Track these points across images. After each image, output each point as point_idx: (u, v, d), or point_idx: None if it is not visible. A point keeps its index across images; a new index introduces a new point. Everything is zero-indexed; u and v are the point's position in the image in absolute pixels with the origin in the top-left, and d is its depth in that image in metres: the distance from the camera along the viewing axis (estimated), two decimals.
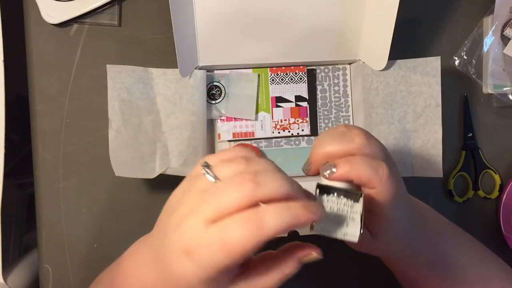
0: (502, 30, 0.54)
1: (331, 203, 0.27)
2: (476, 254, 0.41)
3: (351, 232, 0.26)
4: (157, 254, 0.29)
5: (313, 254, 0.28)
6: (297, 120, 0.52)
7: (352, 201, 0.27)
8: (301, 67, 0.52)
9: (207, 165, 0.27)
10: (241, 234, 0.23)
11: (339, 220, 0.27)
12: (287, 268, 0.28)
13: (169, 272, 0.27)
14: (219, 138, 0.51)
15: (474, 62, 0.55)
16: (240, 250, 0.23)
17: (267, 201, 0.24)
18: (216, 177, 0.26)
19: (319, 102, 0.52)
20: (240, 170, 0.26)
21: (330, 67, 0.53)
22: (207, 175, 0.27)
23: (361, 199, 0.27)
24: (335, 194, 0.28)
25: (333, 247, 0.42)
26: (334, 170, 0.28)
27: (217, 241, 0.24)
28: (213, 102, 0.50)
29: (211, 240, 0.24)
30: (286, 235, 0.40)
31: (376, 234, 0.33)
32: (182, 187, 0.28)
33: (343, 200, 0.27)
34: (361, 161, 0.28)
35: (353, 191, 0.28)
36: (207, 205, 0.25)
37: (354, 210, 0.27)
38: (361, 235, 0.26)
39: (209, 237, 0.24)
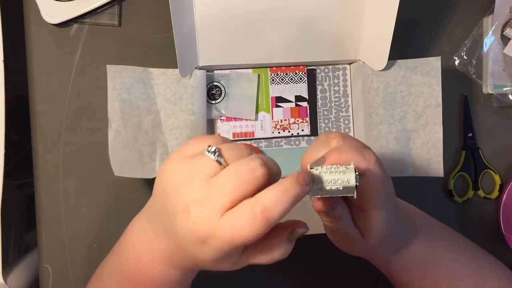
0: (502, 30, 0.54)
1: (323, 171, 0.28)
2: (469, 254, 0.41)
3: (348, 185, 0.27)
4: (167, 230, 0.30)
5: (297, 230, 0.29)
6: (297, 120, 0.52)
7: (343, 166, 0.28)
8: (301, 67, 0.52)
9: (215, 150, 0.28)
10: (250, 229, 0.25)
11: (333, 181, 0.28)
12: (277, 251, 0.30)
13: (185, 250, 0.29)
14: None
15: (474, 62, 0.55)
16: (251, 238, 0.26)
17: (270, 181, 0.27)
18: (225, 162, 0.28)
19: (319, 102, 0.52)
20: (244, 155, 0.28)
21: (330, 67, 0.52)
22: (215, 159, 0.27)
23: (352, 164, 0.28)
24: (327, 166, 0.29)
25: (328, 253, 0.42)
26: (323, 160, 0.30)
27: (231, 230, 0.26)
28: (213, 102, 0.50)
29: (225, 229, 0.26)
30: None
31: (365, 232, 0.34)
32: (181, 168, 0.28)
33: (334, 168, 0.28)
34: (347, 148, 0.30)
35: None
36: (220, 196, 0.26)
37: (347, 169, 0.28)
38: (357, 188, 0.27)
39: (224, 227, 0.26)
